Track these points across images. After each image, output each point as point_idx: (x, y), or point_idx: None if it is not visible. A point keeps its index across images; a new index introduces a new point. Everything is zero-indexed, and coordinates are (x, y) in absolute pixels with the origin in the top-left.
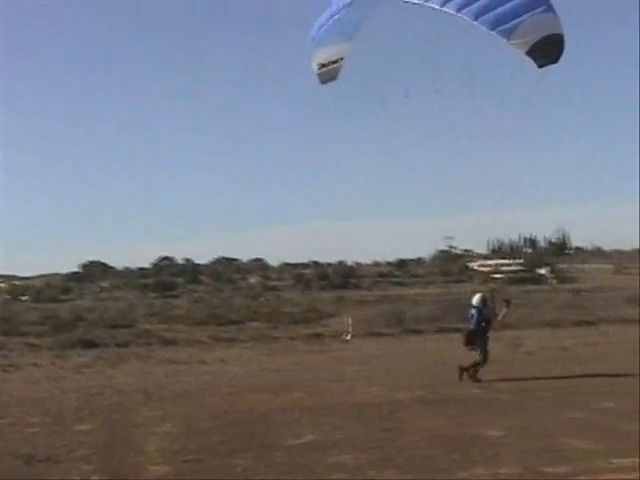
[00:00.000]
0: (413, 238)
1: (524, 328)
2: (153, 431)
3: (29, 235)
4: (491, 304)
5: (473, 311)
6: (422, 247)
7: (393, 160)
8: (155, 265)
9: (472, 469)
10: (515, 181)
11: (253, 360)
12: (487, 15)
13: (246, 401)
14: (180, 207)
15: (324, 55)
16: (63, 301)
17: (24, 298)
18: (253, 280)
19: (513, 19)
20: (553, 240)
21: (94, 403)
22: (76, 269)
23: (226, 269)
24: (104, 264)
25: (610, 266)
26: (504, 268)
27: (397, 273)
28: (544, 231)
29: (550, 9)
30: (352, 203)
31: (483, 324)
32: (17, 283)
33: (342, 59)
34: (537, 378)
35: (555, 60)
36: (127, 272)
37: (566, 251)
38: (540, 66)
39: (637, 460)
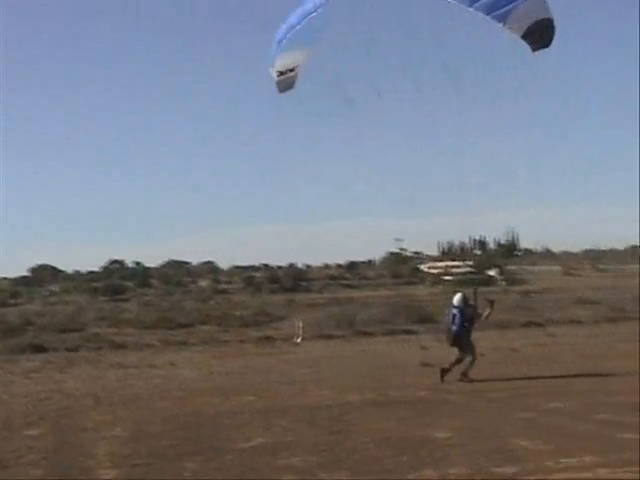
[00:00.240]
0: (364, 240)
1: (474, 329)
2: (102, 435)
3: None
4: (474, 303)
5: (455, 311)
6: (373, 249)
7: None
8: (105, 268)
9: (422, 470)
10: (466, 183)
11: (203, 363)
12: (482, 1)
13: (196, 404)
14: (131, 210)
15: (283, 62)
16: (12, 305)
17: None
18: (203, 283)
19: (507, 4)
20: (502, 242)
21: (43, 408)
22: (25, 273)
23: (176, 272)
24: (54, 268)
25: (559, 268)
26: (454, 270)
27: (347, 275)
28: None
29: None
30: (303, 206)
31: (466, 324)
32: None
33: (298, 67)
34: (487, 379)
35: (547, 44)
36: (77, 276)
37: (515, 253)
38: (534, 50)
39: (584, 459)
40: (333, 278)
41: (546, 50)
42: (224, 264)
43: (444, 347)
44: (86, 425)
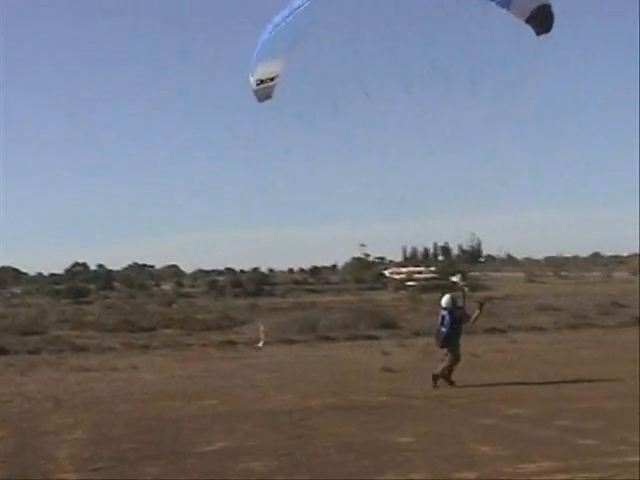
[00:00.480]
0: (327, 245)
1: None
2: (63, 439)
3: None
4: (462, 305)
5: (444, 313)
6: (336, 254)
7: (309, 168)
8: (68, 271)
9: (383, 475)
10: (431, 189)
11: (165, 367)
12: None
13: (158, 408)
14: (94, 213)
15: (264, 70)
16: None
17: None
18: (167, 287)
19: None
20: (465, 248)
21: (3, 411)
22: None
23: (139, 275)
24: (16, 270)
25: (522, 274)
26: (417, 275)
27: (311, 280)
28: (458, 239)
29: None
30: (267, 210)
31: (455, 326)
32: None
33: (277, 77)
34: (448, 385)
35: (549, 29)
36: (40, 278)
37: (479, 259)
38: (538, 34)
39: (544, 465)
40: (297, 283)
41: (526, 57)
42: (188, 268)
43: (406, 352)
44: (47, 428)
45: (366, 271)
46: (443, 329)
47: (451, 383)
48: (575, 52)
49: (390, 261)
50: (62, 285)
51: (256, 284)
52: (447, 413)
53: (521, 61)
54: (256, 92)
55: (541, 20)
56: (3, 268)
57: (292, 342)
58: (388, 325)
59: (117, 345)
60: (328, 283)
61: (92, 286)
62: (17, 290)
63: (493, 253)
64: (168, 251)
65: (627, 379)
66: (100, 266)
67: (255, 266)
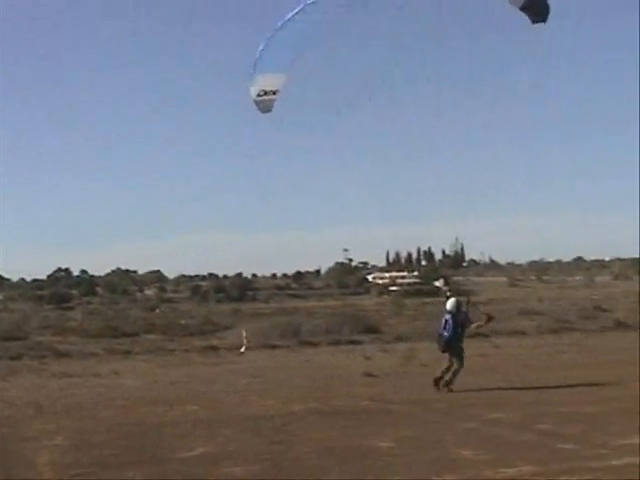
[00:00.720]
0: (311, 250)
1: (418, 340)
2: (44, 444)
3: None
4: (465, 309)
5: (447, 317)
6: (320, 259)
7: (293, 174)
8: (51, 276)
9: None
10: (415, 194)
11: (147, 372)
12: None
13: (139, 414)
14: (78, 218)
15: (266, 82)
16: None
17: None
18: (149, 292)
19: None
20: (447, 252)
21: None
22: None
23: (122, 281)
24: None
25: (505, 279)
26: (400, 280)
27: (294, 285)
28: (442, 244)
29: None
30: (250, 216)
31: (458, 330)
32: None
33: (279, 91)
34: (430, 390)
35: (544, 19)
36: (22, 284)
37: (463, 264)
38: (533, 22)
39: (524, 469)
40: (280, 288)
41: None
42: (171, 273)
43: (388, 357)
44: (27, 434)
45: (349, 276)
46: (445, 333)
47: (450, 389)
48: (573, 56)
49: (373, 266)
50: (45, 291)
51: (239, 289)
52: (428, 417)
53: (517, 67)
54: (258, 103)
55: (535, 9)
56: None
57: (274, 347)
58: (371, 330)
59: (99, 351)
60: (311, 288)
61: (75, 292)
62: None
63: (476, 258)
64: (151, 256)
65: (607, 383)
66: (83, 272)
67: (238, 271)
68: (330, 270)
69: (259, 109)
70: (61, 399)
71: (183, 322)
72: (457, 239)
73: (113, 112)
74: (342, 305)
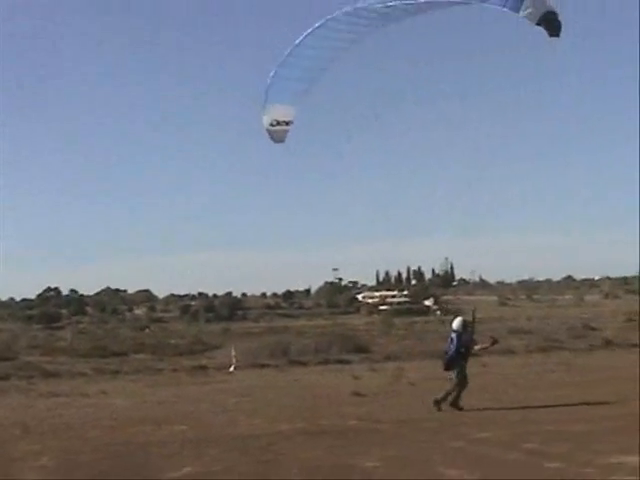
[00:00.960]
0: (301, 270)
1: (407, 359)
2: (30, 465)
3: None
4: (471, 329)
5: (453, 335)
6: (310, 279)
7: (282, 192)
8: (40, 296)
9: None
10: (404, 214)
11: (136, 392)
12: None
13: (127, 433)
14: (67, 237)
15: (280, 112)
16: None
17: None
18: (139, 311)
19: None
20: (437, 272)
21: None
22: None
23: (112, 300)
24: None
25: (495, 298)
26: (390, 300)
27: (284, 305)
28: (431, 263)
29: None
30: (240, 234)
31: (462, 350)
32: None
33: (292, 122)
34: (418, 409)
35: (558, 34)
36: (12, 303)
37: (452, 283)
38: (551, 35)
39: None
40: (270, 307)
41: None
42: (160, 292)
43: (376, 377)
44: (14, 455)
45: (339, 295)
46: (450, 352)
47: (459, 408)
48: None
49: (363, 285)
50: (34, 310)
51: (229, 309)
52: (416, 437)
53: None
54: (270, 133)
55: (553, 24)
56: None
57: (263, 366)
58: (360, 349)
59: (88, 370)
60: (301, 307)
61: (64, 311)
62: None
63: (466, 277)
64: (141, 276)
65: (595, 402)
66: (72, 291)
67: (228, 290)
68: (320, 289)
69: (272, 139)
70: (48, 419)
71: (172, 342)
72: (447, 258)
73: (106, 132)
74: (332, 324)
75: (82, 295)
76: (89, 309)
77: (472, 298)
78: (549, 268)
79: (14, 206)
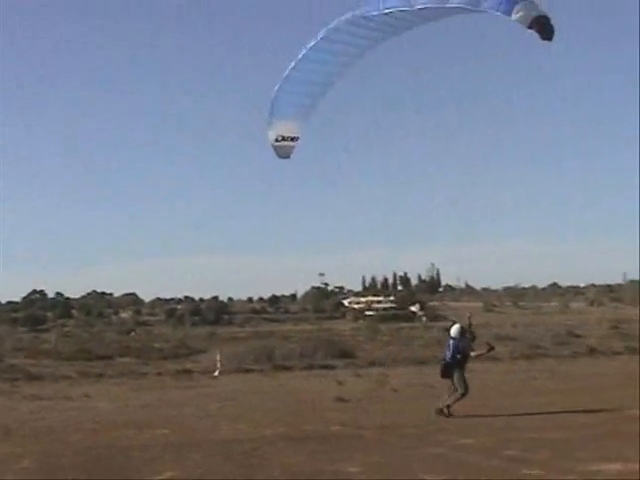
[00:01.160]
0: (287, 274)
1: (392, 365)
2: (10, 468)
3: None
4: (468, 336)
5: (450, 342)
6: (296, 283)
7: (267, 196)
8: (26, 299)
9: None
10: (390, 220)
11: (119, 396)
12: (485, 3)
13: (109, 437)
14: (53, 240)
15: (286, 128)
16: None
17: None
18: (125, 315)
19: (508, 3)
20: (423, 278)
21: None
22: None
23: (98, 303)
24: None
25: (480, 304)
26: (376, 305)
27: (270, 309)
28: (418, 269)
29: None
30: (227, 239)
31: (458, 356)
32: None
33: (297, 138)
34: (401, 415)
35: (551, 37)
36: None
37: (438, 289)
38: (543, 39)
39: None
40: (256, 312)
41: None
42: (146, 296)
43: (360, 382)
44: None
45: (325, 300)
46: (447, 358)
47: (448, 414)
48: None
49: (349, 290)
50: (19, 313)
51: (215, 313)
52: (399, 443)
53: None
54: (276, 148)
55: (546, 27)
56: None
57: (248, 371)
58: (345, 355)
59: (72, 374)
60: (287, 312)
61: (50, 314)
62: None
63: (452, 283)
64: (127, 279)
65: (577, 409)
66: (58, 294)
67: (214, 295)
68: (306, 294)
69: (277, 154)
70: (30, 422)
71: (157, 345)
72: (433, 264)
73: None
74: (317, 329)
75: (68, 298)
76: (75, 312)
77: (458, 304)
78: (535, 275)
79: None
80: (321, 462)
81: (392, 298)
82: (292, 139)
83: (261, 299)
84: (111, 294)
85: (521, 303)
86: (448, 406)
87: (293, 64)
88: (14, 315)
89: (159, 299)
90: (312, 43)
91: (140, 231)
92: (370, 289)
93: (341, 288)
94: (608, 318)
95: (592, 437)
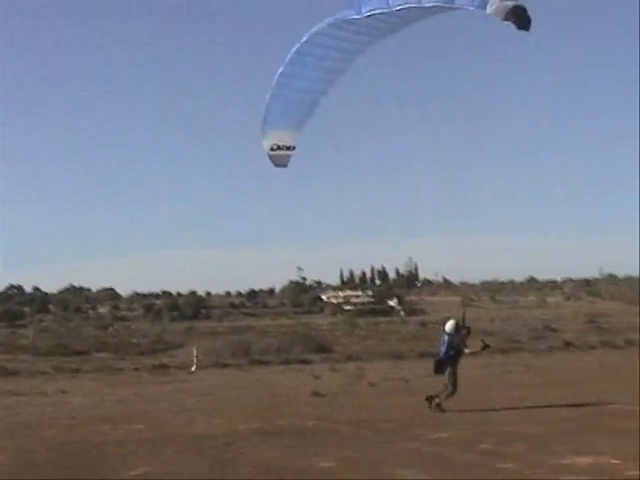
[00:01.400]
0: (265, 269)
1: (369, 359)
2: None
3: None
4: (464, 332)
5: (445, 338)
6: (274, 278)
7: (245, 191)
8: (3, 294)
9: None
10: (368, 214)
11: (95, 391)
12: (458, 1)
13: (84, 433)
14: (31, 235)
15: (282, 138)
16: None
17: None
18: (103, 310)
19: None
20: (401, 272)
21: None
22: None
23: (75, 298)
24: None
25: (458, 298)
26: (354, 299)
27: (248, 304)
28: (396, 263)
29: None
30: (205, 233)
31: (452, 352)
32: None
33: (294, 147)
34: (377, 410)
35: (528, 27)
36: None
37: (415, 283)
38: (519, 28)
39: None
40: (234, 306)
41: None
42: (124, 291)
43: (337, 377)
44: None
45: (303, 295)
46: (440, 353)
47: (433, 404)
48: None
49: (327, 285)
50: None
51: (193, 308)
52: (373, 437)
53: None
54: (272, 158)
55: (522, 18)
56: None
57: (225, 366)
58: (322, 349)
59: (49, 369)
60: (265, 307)
61: (27, 309)
62: None
63: (430, 277)
64: (105, 274)
65: (552, 404)
66: (36, 289)
67: (192, 289)
68: (284, 289)
69: (273, 163)
70: (6, 418)
71: (135, 341)
72: (411, 258)
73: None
74: (295, 324)
75: (46, 293)
76: (52, 307)
77: (436, 299)
78: (513, 269)
79: None
80: (295, 457)
81: (370, 292)
82: (288, 148)
83: (239, 294)
84: (89, 289)
85: (498, 297)
86: (438, 404)
87: (280, 71)
88: None
89: (137, 294)
90: (296, 48)
91: (117, 228)
92: (348, 283)
93: (319, 282)
94: (584, 312)
95: (566, 431)
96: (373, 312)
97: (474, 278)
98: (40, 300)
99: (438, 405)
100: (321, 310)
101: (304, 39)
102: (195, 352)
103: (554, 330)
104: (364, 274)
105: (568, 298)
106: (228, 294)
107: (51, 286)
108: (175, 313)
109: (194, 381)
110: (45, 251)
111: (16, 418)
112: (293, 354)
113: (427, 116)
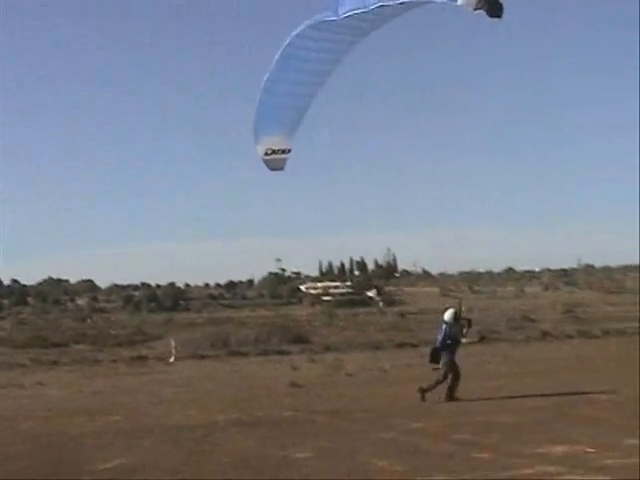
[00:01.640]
0: (244, 260)
1: (347, 350)
2: None
3: None
4: (463, 322)
5: (444, 327)
6: (253, 269)
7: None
8: None
9: None
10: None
11: (73, 383)
12: None
13: (60, 424)
14: (9, 227)
15: (271, 141)
16: None
17: None
18: (81, 302)
19: None
20: (380, 263)
21: None
22: None
23: (54, 290)
24: None
25: (437, 289)
26: (333, 290)
27: (227, 295)
28: (374, 254)
29: None
30: (183, 224)
31: (449, 341)
32: None
33: (289, 151)
34: (354, 400)
35: (500, 14)
36: None
37: (394, 274)
38: (491, 16)
39: (436, 479)
40: (213, 298)
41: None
42: (103, 283)
43: (315, 367)
44: None
45: (282, 286)
46: (437, 343)
47: (453, 398)
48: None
49: (306, 276)
50: None
51: (172, 299)
52: (350, 428)
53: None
54: (267, 162)
55: (493, 6)
56: None
57: (204, 357)
58: (300, 340)
59: (26, 361)
60: (244, 298)
61: (5, 301)
62: None
63: (408, 268)
64: (83, 266)
65: (528, 394)
66: (14, 281)
67: (171, 281)
68: (263, 280)
69: (268, 167)
70: None
71: (113, 332)
72: (389, 249)
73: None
74: (274, 315)
75: (24, 285)
76: (31, 299)
77: (414, 289)
78: (491, 260)
79: None
80: (271, 447)
81: (349, 283)
82: (283, 152)
83: (218, 285)
84: (67, 281)
85: (476, 288)
86: (429, 391)
87: (267, 77)
88: None
89: (116, 286)
90: (279, 52)
91: (96, 218)
92: (327, 274)
93: (298, 274)
94: (562, 302)
95: (541, 420)
96: (352, 303)
97: (452, 269)
98: (18, 292)
99: (450, 396)
100: (300, 301)
101: (286, 42)
102: (173, 343)
103: (532, 320)
104: (343, 265)
105: (546, 288)
106: (207, 285)
107: (30, 278)
108: (154, 304)
109: (172, 372)
110: (23, 243)
111: None
112: (271, 345)
113: (407, 112)
